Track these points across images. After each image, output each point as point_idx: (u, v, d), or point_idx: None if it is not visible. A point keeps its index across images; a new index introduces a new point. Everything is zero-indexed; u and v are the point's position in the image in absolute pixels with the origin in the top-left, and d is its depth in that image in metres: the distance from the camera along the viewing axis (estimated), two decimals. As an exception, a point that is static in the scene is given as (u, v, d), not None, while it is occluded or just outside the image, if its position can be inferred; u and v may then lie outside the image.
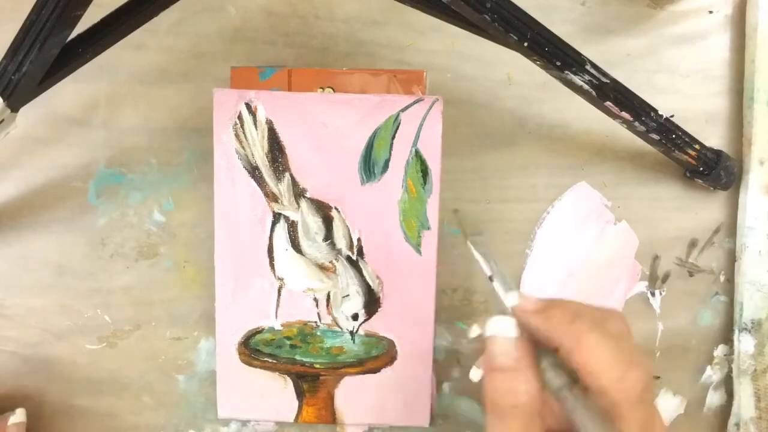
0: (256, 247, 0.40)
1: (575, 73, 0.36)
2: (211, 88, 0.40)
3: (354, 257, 0.41)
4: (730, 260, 0.45)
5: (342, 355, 0.41)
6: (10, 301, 0.43)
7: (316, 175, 0.40)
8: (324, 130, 0.40)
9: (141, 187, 0.43)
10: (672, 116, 0.40)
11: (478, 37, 0.37)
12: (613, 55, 0.44)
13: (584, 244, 0.44)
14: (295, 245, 0.40)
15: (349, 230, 0.40)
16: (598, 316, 0.29)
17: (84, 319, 0.43)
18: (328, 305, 0.41)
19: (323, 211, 0.40)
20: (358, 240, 0.40)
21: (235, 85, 0.40)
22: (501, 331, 0.28)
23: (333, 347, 0.41)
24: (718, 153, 0.42)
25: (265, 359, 0.41)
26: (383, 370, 0.41)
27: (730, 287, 0.45)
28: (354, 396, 0.42)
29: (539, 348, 0.29)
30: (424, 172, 0.40)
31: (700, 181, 0.43)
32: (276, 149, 0.40)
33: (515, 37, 0.34)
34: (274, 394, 0.42)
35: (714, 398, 0.45)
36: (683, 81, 0.44)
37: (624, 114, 0.38)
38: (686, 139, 0.40)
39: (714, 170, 0.42)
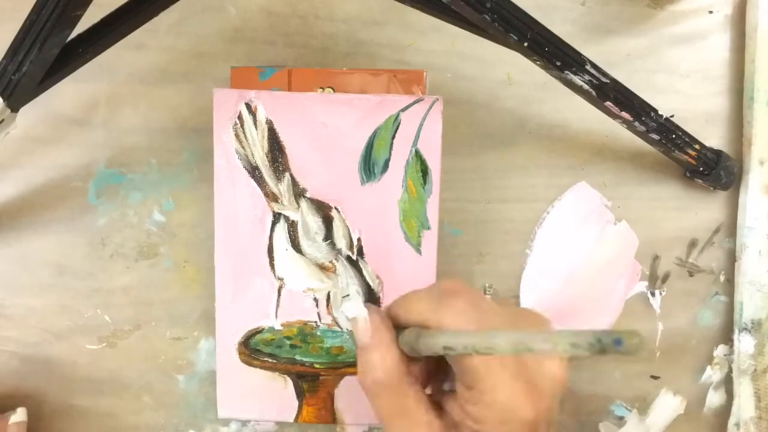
0: (256, 247, 0.40)
1: (575, 73, 0.36)
2: (211, 88, 0.40)
3: (354, 257, 0.41)
4: (730, 260, 0.45)
5: (342, 355, 0.41)
6: (10, 301, 0.43)
7: (316, 175, 0.40)
8: (324, 130, 0.40)
9: (141, 187, 0.43)
10: (672, 116, 0.40)
11: (478, 37, 0.37)
12: (613, 55, 0.44)
13: (584, 244, 0.44)
14: (295, 245, 0.40)
15: (349, 230, 0.40)
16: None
17: (84, 319, 0.43)
18: (328, 305, 0.41)
19: (323, 211, 0.40)
20: (358, 240, 0.40)
21: (235, 85, 0.40)
22: (354, 312, 0.32)
23: (333, 347, 0.41)
24: (718, 153, 0.42)
25: (265, 359, 0.41)
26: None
27: (730, 287, 0.45)
28: (354, 396, 0.42)
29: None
30: (424, 172, 0.40)
31: (700, 181, 0.43)
32: (276, 149, 0.40)
33: (515, 37, 0.34)
34: (274, 394, 0.42)
35: (714, 398, 0.45)
36: (683, 81, 0.44)
37: (624, 114, 0.38)
38: (686, 139, 0.40)
39: (714, 170, 0.42)
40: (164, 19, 0.40)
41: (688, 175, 0.43)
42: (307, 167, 0.40)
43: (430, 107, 0.39)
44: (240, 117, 0.39)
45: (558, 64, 0.35)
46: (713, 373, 0.44)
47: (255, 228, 0.40)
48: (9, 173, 0.43)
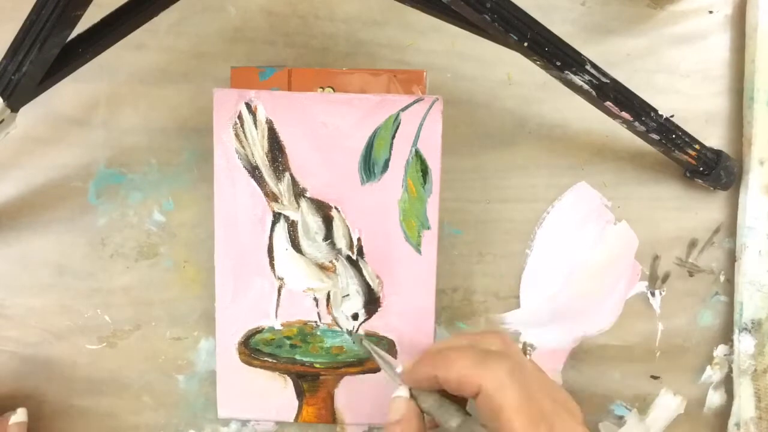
0: (256, 247, 0.40)
1: (575, 73, 0.36)
2: (211, 88, 0.40)
3: (354, 257, 0.41)
4: (730, 260, 0.45)
5: (342, 354, 0.41)
6: (10, 301, 0.43)
7: (316, 174, 0.40)
8: (324, 130, 0.40)
9: (141, 187, 0.43)
10: (672, 116, 0.40)
11: (478, 37, 0.37)
12: (613, 55, 0.44)
13: (584, 244, 0.44)
14: (295, 245, 0.40)
15: (349, 230, 0.40)
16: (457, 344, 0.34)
17: (84, 319, 0.43)
18: (328, 305, 0.41)
19: (323, 210, 0.40)
20: (358, 240, 0.40)
21: (235, 85, 0.40)
22: (398, 393, 0.36)
23: (333, 347, 0.41)
24: (718, 153, 0.42)
25: (265, 359, 0.41)
26: (382, 371, 0.41)
27: (730, 287, 0.45)
28: (354, 396, 0.42)
29: (421, 396, 0.35)
30: (424, 171, 0.40)
31: (700, 181, 0.43)
32: (276, 149, 0.40)
33: (515, 37, 0.34)
34: (274, 394, 0.42)
35: (714, 398, 0.45)
36: (683, 81, 0.44)
37: (624, 114, 0.38)
38: (686, 139, 0.40)
39: (714, 170, 0.42)
40: (164, 19, 0.40)
41: (688, 175, 0.43)
42: (307, 167, 0.40)
43: (430, 107, 0.39)
44: (240, 117, 0.39)
45: (558, 64, 0.35)
46: (713, 373, 0.44)
47: (255, 228, 0.40)
48: (9, 173, 0.43)
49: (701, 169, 0.42)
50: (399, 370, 0.36)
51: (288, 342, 0.41)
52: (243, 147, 0.40)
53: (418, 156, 0.40)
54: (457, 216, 0.44)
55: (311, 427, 0.44)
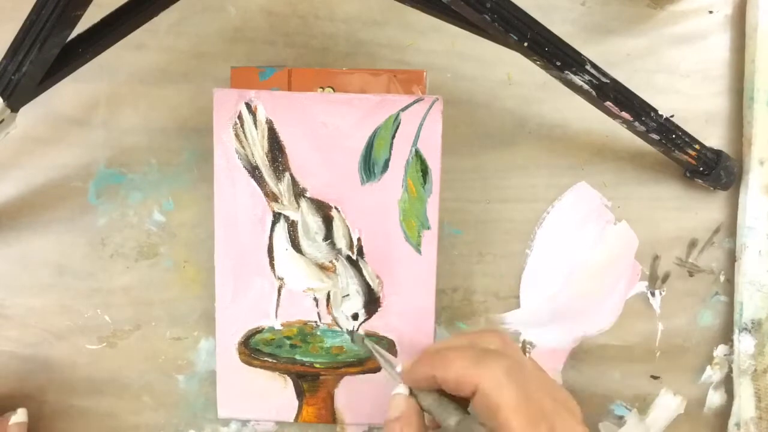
0: (256, 247, 0.40)
1: (575, 73, 0.36)
2: (211, 88, 0.40)
3: (354, 257, 0.41)
4: (730, 260, 0.45)
5: (342, 354, 0.41)
6: (10, 301, 0.43)
7: (316, 174, 0.40)
8: (324, 130, 0.40)
9: (141, 187, 0.43)
10: (672, 116, 0.40)
11: (478, 37, 0.37)
12: (613, 55, 0.44)
13: (584, 244, 0.44)
14: (295, 245, 0.40)
15: (349, 230, 0.40)
16: (459, 343, 0.34)
17: (84, 319, 0.43)
18: (328, 305, 0.41)
19: (323, 210, 0.40)
20: (358, 240, 0.40)
21: (235, 85, 0.40)
22: (397, 390, 0.36)
23: (333, 347, 0.41)
24: (718, 153, 0.42)
25: (265, 359, 0.41)
26: (383, 370, 0.41)
27: (730, 287, 0.45)
28: (354, 396, 0.42)
29: (421, 394, 0.35)
30: (424, 171, 0.40)
31: (700, 181, 0.43)
32: (276, 149, 0.40)
33: (515, 37, 0.34)
34: (274, 394, 0.42)
35: (714, 398, 0.45)
36: (683, 81, 0.44)
37: (624, 114, 0.38)
38: (686, 139, 0.40)
39: (714, 170, 0.42)
40: (164, 19, 0.40)
41: (688, 175, 0.43)
42: (307, 167, 0.40)
43: (430, 107, 0.39)
44: (240, 117, 0.39)
45: (558, 64, 0.35)
46: (713, 373, 0.44)
47: (255, 228, 0.40)
48: (9, 173, 0.43)
49: (701, 169, 0.42)
50: (399, 369, 0.36)
51: (288, 342, 0.41)
52: (243, 147, 0.40)
53: (418, 156, 0.40)
54: (457, 216, 0.44)
55: (311, 427, 0.44)
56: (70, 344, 0.43)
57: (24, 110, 0.35)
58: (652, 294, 0.44)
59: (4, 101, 0.33)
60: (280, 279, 0.41)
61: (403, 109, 0.39)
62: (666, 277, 0.45)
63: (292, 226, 0.40)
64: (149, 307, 0.43)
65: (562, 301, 0.44)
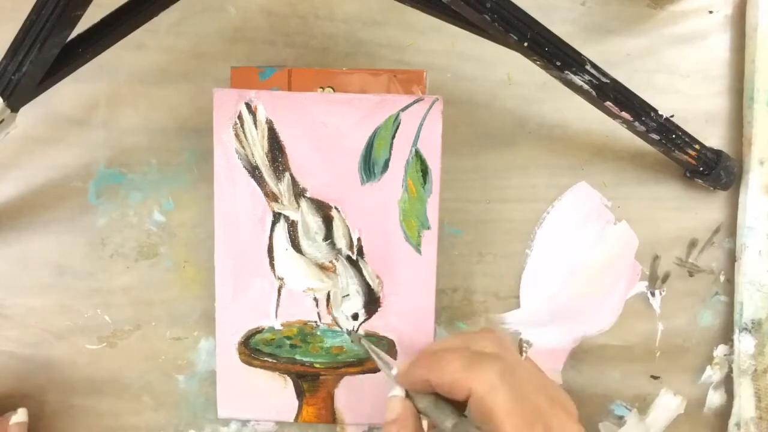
0: (256, 247, 0.40)
1: (575, 73, 0.36)
2: (211, 88, 0.40)
3: (354, 257, 0.41)
4: (730, 260, 0.45)
5: (342, 354, 0.41)
6: (10, 301, 0.43)
7: (316, 174, 0.40)
8: (324, 130, 0.40)
9: (141, 187, 0.43)
10: (672, 116, 0.40)
11: (478, 37, 0.37)
12: (613, 55, 0.44)
13: (584, 244, 0.44)
14: (295, 245, 0.40)
15: (349, 230, 0.40)
16: (458, 343, 0.34)
17: (84, 319, 0.43)
18: (328, 305, 0.41)
19: (323, 210, 0.40)
20: (358, 240, 0.40)
21: (235, 85, 0.40)
22: (394, 393, 0.35)
23: (333, 347, 0.41)
24: (718, 153, 0.42)
25: (265, 359, 0.41)
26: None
27: (730, 287, 0.45)
28: (354, 396, 0.42)
29: (417, 397, 0.34)
30: (424, 171, 0.40)
31: (700, 181, 0.43)
32: (276, 149, 0.40)
33: (515, 37, 0.34)
34: (274, 394, 0.42)
35: (714, 398, 0.45)
36: (683, 81, 0.44)
37: (624, 114, 0.38)
38: (686, 139, 0.40)
39: (714, 170, 0.42)
40: (164, 19, 0.40)
41: (688, 175, 0.43)
42: (307, 167, 0.40)
43: (430, 107, 0.39)
44: (240, 117, 0.39)
45: (558, 64, 0.35)
46: (713, 373, 0.44)
47: (255, 228, 0.40)
48: (9, 173, 0.43)
49: (701, 169, 0.42)
50: (395, 371, 0.36)
51: (288, 342, 0.41)
52: (243, 147, 0.40)
53: (418, 156, 0.40)
54: (457, 216, 0.44)
55: (311, 427, 0.44)
56: (70, 344, 0.43)
57: (24, 110, 0.35)
58: (652, 294, 0.44)
59: (4, 101, 0.33)
60: (280, 279, 0.41)
61: (403, 109, 0.39)
62: (666, 277, 0.45)
63: (292, 226, 0.40)
64: (149, 307, 0.43)
65: (562, 301, 0.44)
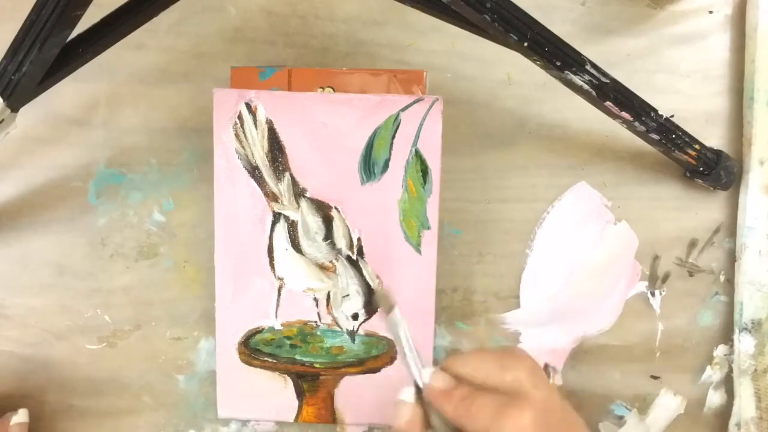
0: (256, 247, 0.40)
1: (575, 73, 0.36)
2: (211, 88, 0.40)
3: (354, 257, 0.41)
4: (730, 260, 0.45)
5: (342, 354, 0.41)
6: (10, 301, 0.43)
7: (316, 174, 0.40)
8: (324, 130, 0.40)
9: (141, 187, 0.43)
10: (672, 116, 0.40)
11: (478, 37, 0.37)
12: (613, 55, 0.44)
13: (584, 244, 0.44)
14: (295, 245, 0.40)
15: (349, 230, 0.40)
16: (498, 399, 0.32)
17: (84, 319, 0.43)
18: (328, 305, 0.41)
19: (323, 210, 0.40)
20: (358, 240, 0.40)
21: (235, 85, 0.40)
22: (405, 396, 0.34)
23: (333, 347, 0.41)
24: (718, 153, 0.42)
25: (265, 359, 0.41)
26: (383, 370, 0.41)
27: (730, 287, 0.45)
28: (354, 396, 0.42)
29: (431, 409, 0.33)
30: (424, 171, 0.40)
31: (700, 181, 0.43)
32: (276, 149, 0.40)
33: (515, 37, 0.34)
34: (274, 394, 0.42)
35: (714, 398, 0.45)
36: (683, 81, 0.44)
37: (624, 114, 0.38)
38: (686, 139, 0.40)
39: (714, 170, 0.42)
40: (164, 19, 0.40)
41: (688, 175, 0.43)
42: (307, 167, 0.40)
43: (430, 107, 0.39)
44: (240, 117, 0.39)
45: (558, 64, 0.35)
46: (713, 373, 0.44)
47: (255, 228, 0.40)
48: (9, 173, 0.43)
49: (701, 169, 0.42)
50: (424, 377, 0.34)
51: (288, 342, 0.41)
52: (243, 147, 0.40)
53: (418, 156, 0.40)
54: (457, 216, 0.44)
55: (311, 427, 0.44)
56: (70, 344, 0.43)
57: (24, 110, 0.35)
58: (652, 294, 0.44)
59: (4, 101, 0.33)
60: (280, 279, 0.41)
61: (403, 109, 0.39)
62: (666, 277, 0.45)
63: (292, 226, 0.40)
64: (149, 307, 0.43)
65: (562, 301, 0.44)
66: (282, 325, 0.41)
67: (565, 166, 0.44)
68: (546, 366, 0.43)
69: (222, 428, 0.44)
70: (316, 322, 0.41)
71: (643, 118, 0.38)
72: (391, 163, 0.40)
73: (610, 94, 0.37)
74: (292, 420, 0.42)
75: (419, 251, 0.40)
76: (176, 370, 0.44)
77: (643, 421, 0.43)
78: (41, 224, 0.43)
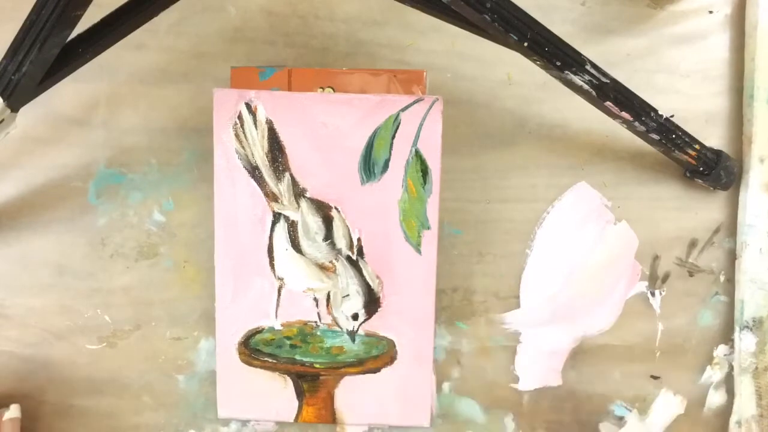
0: (256, 247, 0.40)
1: (575, 73, 0.36)
2: (211, 88, 0.40)
3: (354, 257, 0.41)
4: (730, 260, 0.45)
5: (342, 354, 0.41)
6: (10, 301, 0.43)
7: (316, 175, 0.40)
8: (324, 130, 0.40)
9: (141, 187, 0.43)
10: (672, 116, 0.40)
11: (478, 37, 0.37)
12: (613, 55, 0.44)
13: (584, 244, 0.44)
14: (295, 245, 0.40)
15: (349, 230, 0.40)
16: None
17: (84, 319, 0.43)
18: (328, 305, 0.41)
19: (323, 210, 0.40)
20: (358, 240, 0.40)
21: (235, 85, 0.40)
22: None
23: (333, 347, 0.41)
24: (718, 153, 0.42)
25: (265, 359, 0.41)
26: (383, 370, 0.41)
27: (730, 287, 0.45)
28: (354, 396, 0.42)
29: None
30: (424, 171, 0.40)
31: (700, 181, 0.43)
32: (276, 149, 0.40)
33: (515, 37, 0.34)
34: (274, 394, 0.42)
35: (714, 398, 0.45)
36: (683, 81, 0.44)
37: (624, 114, 0.38)
38: (686, 139, 0.40)
39: (714, 170, 0.42)
40: (164, 19, 0.40)
41: (688, 175, 0.43)
42: (307, 167, 0.40)
43: (430, 107, 0.39)
44: (240, 117, 0.39)
45: (558, 64, 0.35)
46: (713, 373, 0.44)
47: (255, 228, 0.40)
48: (9, 173, 0.43)
49: (701, 169, 0.42)
50: None
51: (288, 342, 0.41)
52: (243, 147, 0.40)
53: (418, 156, 0.40)
54: (457, 216, 0.44)
55: (311, 427, 0.44)
56: (70, 344, 0.43)
57: (24, 110, 0.35)
58: (652, 294, 0.44)
59: (4, 101, 0.33)
60: (280, 279, 0.41)
61: (403, 109, 0.39)
62: (666, 277, 0.45)
63: (292, 226, 0.40)
64: (149, 307, 0.43)
65: (562, 301, 0.44)
66: (282, 325, 0.41)
67: (565, 166, 0.44)
68: None
69: (222, 428, 0.44)
70: (316, 322, 0.41)
71: (643, 118, 0.38)
72: (391, 163, 0.40)
73: (610, 94, 0.37)
74: (292, 420, 0.42)
75: (419, 251, 0.40)
76: (176, 370, 0.44)
77: (643, 421, 0.43)
78: (41, 224, 0.43)
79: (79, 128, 0.43)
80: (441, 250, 0.41)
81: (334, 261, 0.41)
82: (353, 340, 0.41)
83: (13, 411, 0.40)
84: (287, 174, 0.40)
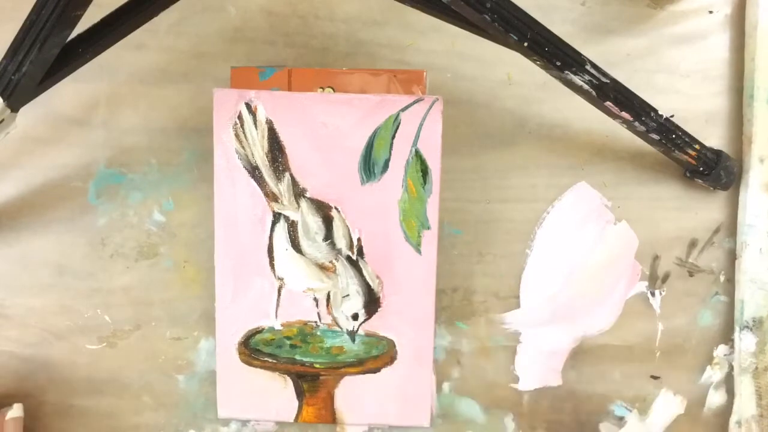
0: (256, 247, 0.40)
1: (575, 73, 0.36)
2: (211, 88, 0.40)
3: (354, 257, 0.41)
4: (730, 260, 0.45)
5: (342, 354, 0.41)
6: (10, 301, 0.43)
7: (316, 175, 0.40)
8: (324, 130, 0.40)
9: (141, 187, 0.43)
10: (672, 116, 0.40)
11: (478, 37, 0.37)
12: (613, 55, 0.44)
13: (584, 244, 0.44)
14: (295, 245, 0.40)
15: (349, 230, 0.40)
16: None
17: (84, 319, 0.43)
18: (328, 305, 0.41)
19: (323, 210, 0.40)
20: (358, 240, 0.40)
21: (235, 85, 0.40)
22: None
23: (333, 347, 0.41)
24: (718, 153, 0.42)
25: (265, 359, 0.41)
26: (383, 370, 0.41)
27: (730, 287, 0.45)
28: (354, 396, 0.42)
29: None
30: (424, 171, 0.40)
31: (700, 181, 0.43)
32: (276, 149, 0.40)
33: (515, 37, 0.34)
34: (274, 394, 0.42)
35: (714, 398, 0.45)
36: (683, 81, 0.44)
37: (624, 114, 0.38)
38: (686, 139, 0.40)
39: (714, 170, 0.42)
40: (164, 19, 0.40)
41: (688, 175, 0.43)
42: (307, 167, 0.40)
43: (430, 107, 0.39)
44: (240, 117, 0.39)
45: (558, 64, 0.35)
46: (713, 373, 0.44)
47: (255, 228, 0.40)
48: (9, 173, 0.43)
49: (701, 169, 0.42)
50: None
51: (288, 342, 0.41)
52: (243, 147, 0.40)
53: (418, 156, 0.40)
54: (457, 216, 0.44)
55: (311, 427, 0.44)
56: (70, 344, 0.43)
57: (24, 110, 0.35)
58: (652, 294, 0.44)
59: (4, 101, 0.33)
60: (280, 279, 0.41)
61: (403, 109, 0.39)
62: (666, 277, 0.45)
63: (292, 226, 0.40)
64: (149, 307, 0.43)
65: (562, 301, 0.44)
66: (282, 325, 0.41)
67: (565, 166, 0.44)
68: None
69: (222, 428, 0.44)
70: (316, 322, 0.41)
71: (643, 118, 0.38)
72: (391, 163, 0.40)
73: (610, 94, 0.37)
74: (292, 420, 0.42)
75: (419, 251, 0.40)
76: (176, 370, 0.44)
77: (643, 421, 0.43)
78: (41, 224, 0.43)
79: (79, 128, 0.43)
80: (441, 250, 0.41)
81: (334, 261, 0.41)
82: (353, 340, 0.41)
83: (16, 410, 0.40)
84: (287, 174, 0.40)
